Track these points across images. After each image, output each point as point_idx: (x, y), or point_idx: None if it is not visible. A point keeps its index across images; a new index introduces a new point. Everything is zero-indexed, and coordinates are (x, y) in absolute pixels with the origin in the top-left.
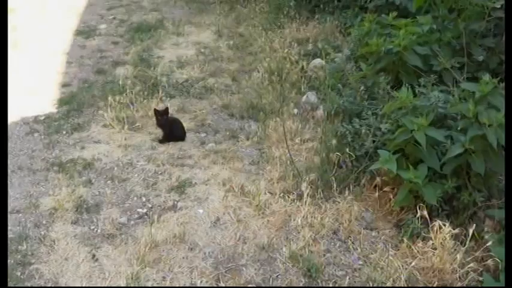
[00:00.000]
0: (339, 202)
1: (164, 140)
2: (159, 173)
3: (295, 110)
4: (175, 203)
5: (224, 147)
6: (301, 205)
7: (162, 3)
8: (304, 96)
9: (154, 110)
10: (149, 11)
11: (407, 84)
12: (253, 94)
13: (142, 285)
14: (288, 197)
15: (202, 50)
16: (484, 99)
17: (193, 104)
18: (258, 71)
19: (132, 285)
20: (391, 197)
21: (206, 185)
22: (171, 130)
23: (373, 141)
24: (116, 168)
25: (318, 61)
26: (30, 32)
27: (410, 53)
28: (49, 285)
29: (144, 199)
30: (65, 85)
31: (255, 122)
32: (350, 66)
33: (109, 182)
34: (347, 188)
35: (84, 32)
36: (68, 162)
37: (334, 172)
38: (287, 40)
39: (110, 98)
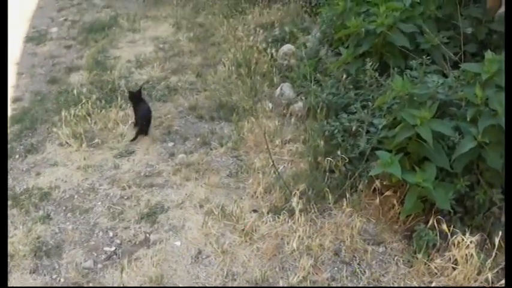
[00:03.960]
0: (335, 215)
1: (140, 132)
2: (126, 197)
3: (270, 105)
4: (147, 235)
5: (196, 158)
6: (294, 223)
7: None
8: (278, 89)
9: (129, 92)
10: (102, 8)
11: (395, 68)
12: (222, 91)
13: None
14: (278, 217)
15: (161, 46)
16: (491, 81)
17: (157, 108)
18: (224, 64)
19: None
20: (395, 202)
21: (181, 208)
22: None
23: (368, 140)
24: (76, 197)
25: (287, 47)
26: None
27: (395, 32)
28: None
29: (111, 234)
30: (16, 100)
31: (227, 123)
32: (325, 51)
33: (69, 214)
34: (343, 197)
35: (35, 37)
36: (22, 193)
37: (326, 180)
38: (251, 26)
39: (64, 112)
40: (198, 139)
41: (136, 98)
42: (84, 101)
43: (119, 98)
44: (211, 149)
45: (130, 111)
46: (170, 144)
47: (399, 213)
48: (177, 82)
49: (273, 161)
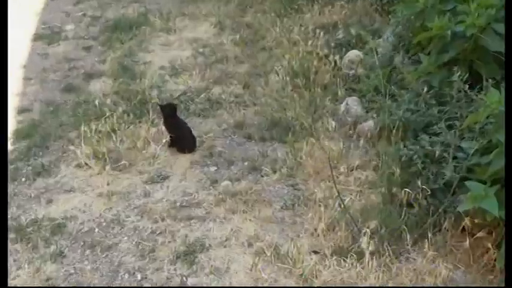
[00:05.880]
0: (415, 259)
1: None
2: (158, 232)
3: (333, 124)
4: (184, 279)
5: (244, 187)
6: (363, 268)
7: None
8: (343, 104)
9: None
10: (128, 2)
11: (489, 80)
12: (274, 105)
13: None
14: (344, 260)
15: (201, 50)
16: None
17: (196, 125)
18: (277, 73)
19: None
20: (489, 245)
21: (225, 247)
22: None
23: (455, 168)
24: (97, 230)
25: (354, 53)
26: None
27: (489, 34)
28: None
29: (139, 276)
30: (23, 111)
31: (281, 145)
32: (400, 58)
33: (88, 252)
34: (424, 238)
35: (46, 35)
36: (29, 225)
37: (403, 216)
38: (309, 28)
39: (83, 126)
40: (246, 163)
41: (170, 113)
42: (107, 114)
43: (151, 112)
44: (262, 176)
45: (163, 128)
46: (212, 168)
47: (495, 259)
48: (220, 94)
49: (338, 192)
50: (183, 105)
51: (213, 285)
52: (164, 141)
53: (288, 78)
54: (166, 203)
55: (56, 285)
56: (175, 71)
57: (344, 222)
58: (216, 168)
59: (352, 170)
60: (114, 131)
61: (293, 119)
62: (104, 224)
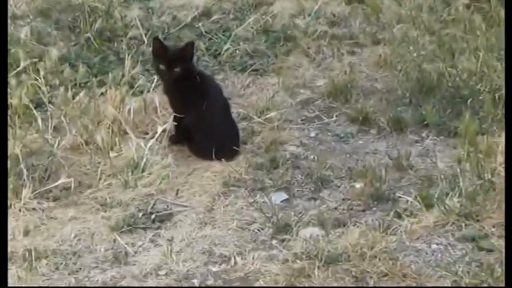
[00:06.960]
0: None
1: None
2: None
3: None
4: None
5: (356, 241)
6: None
7: None
8: None
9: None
10: None
11: None
12: (426, 44)
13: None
14: None
15: None
16: None
17: (237, 93)
18: None
19: None
20: None
21: None
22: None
23: None
24: None
25: None
26: None
27: None
28: None
29: None
30: None
31: (443, 140)
32: None
33: None
34: None
35: None
36: None
37: None
38: None
39: None
40: (359, 185)
41: (178, 62)
42: (23, 64)
43: (127, 62)
44: (398, 216)
45: (158, 98)
46: (278, 196)
47: None
48: (291, 17)
49: None
50: (204, 45)
51: None
52: (161, 130)
53: None
54: (168, 279)
55: (56, 285)
56: None
57: None
58: (286, 196)
59: None
60: (40, 104)
61: (474, 76)
62: None
